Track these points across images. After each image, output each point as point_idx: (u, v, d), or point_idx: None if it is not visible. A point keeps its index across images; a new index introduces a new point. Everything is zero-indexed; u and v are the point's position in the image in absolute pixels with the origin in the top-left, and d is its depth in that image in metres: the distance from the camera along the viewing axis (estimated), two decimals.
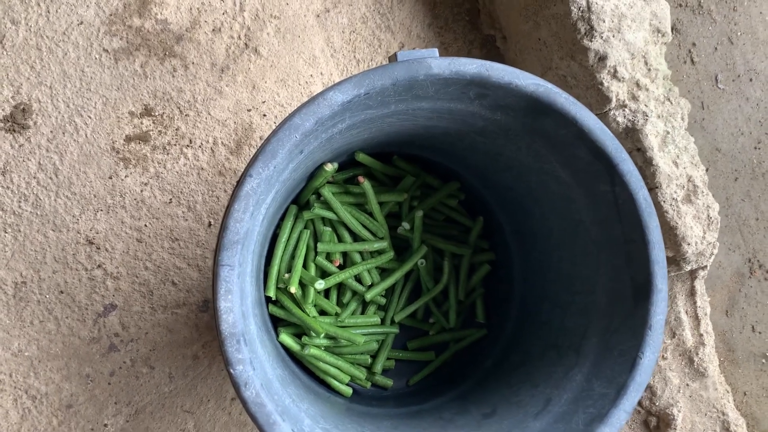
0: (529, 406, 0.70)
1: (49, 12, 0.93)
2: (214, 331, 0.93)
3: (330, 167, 0.77)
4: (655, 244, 0.64)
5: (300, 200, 0.82)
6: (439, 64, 0.59)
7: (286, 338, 0.77)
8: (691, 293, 0.98)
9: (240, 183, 0.56)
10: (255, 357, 0.57)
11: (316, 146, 0.65)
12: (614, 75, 0.85)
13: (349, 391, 0.81)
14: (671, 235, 0.86)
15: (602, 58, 0.84)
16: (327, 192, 0.78)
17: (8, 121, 0.90)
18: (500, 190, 0.86)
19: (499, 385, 0.78)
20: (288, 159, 0.60)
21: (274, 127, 0.94)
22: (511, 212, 0.87)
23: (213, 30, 0.98)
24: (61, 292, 0.90)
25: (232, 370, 0.55)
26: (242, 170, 0.93)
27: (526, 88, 0.62)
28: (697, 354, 0.98)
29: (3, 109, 0.91)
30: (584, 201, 0.71)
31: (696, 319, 0.98)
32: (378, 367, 0.85)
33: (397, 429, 0.74)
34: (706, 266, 0.96)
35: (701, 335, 0.98)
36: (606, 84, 0.84)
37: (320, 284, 0.78)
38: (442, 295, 0.89)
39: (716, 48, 1.10)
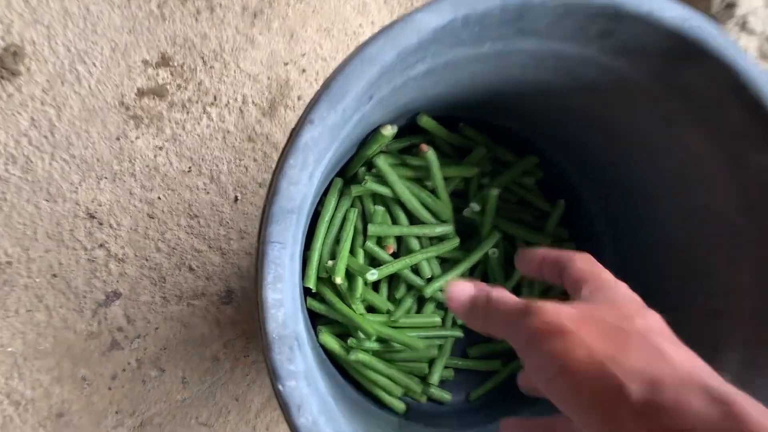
0: None
1: None
2: (240, 327, 0.82)
3: (389, 130, 0.64)
4: None
5: (347, 173, 0.69)
6: None
7: (329, 339, 0.65)
8: None
9: (296, 132, 0.44)
10: (309, 369, 0.44)
11: (385, 95, 0.52)
12: (743, 27, 0.74)
13: (402, 406, 0.70)
14: None
15: (729, 5, 0.74)
16: (382, 162, 0.66)
17: None
18: (594, 168, 0.72)
19: None
20: (356, 105, 0.47)
21: (316, 86, 0.83)
22: (606, 195, 0.73)
23: None
24: (54, 275, 0.78)
25: (281, 387, 0.41)
26: (277, 136, 0.78)
27: (671, 21, 0.48)
28: None
29: None
30: (725, 179, 0.56)
31: None
32: (435, 378, 0.73)
33: None
34: None
35: None
36: (734, 37, 0.74)
37: (372, 275, 0.65)
38: (513, 292, 0.74)
39: None
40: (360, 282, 0.66)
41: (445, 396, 0.74)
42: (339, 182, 0.68)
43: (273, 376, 0.41)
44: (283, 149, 0.44)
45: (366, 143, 0.65)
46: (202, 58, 0.82)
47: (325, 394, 0.47)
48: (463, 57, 0.53)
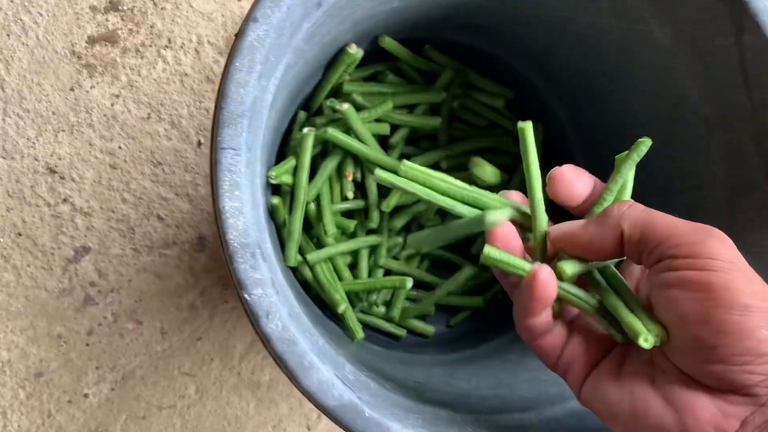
0: None
1: None
2: (215, 274, 0.79)
3: (354, 48, 0.61)
4: None
5: (312, 104, 0.66)
6: None
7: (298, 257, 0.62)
8: None
9: (241, 32, 0.42)
10: (276, 279, 0.43)
11: (334, 3, 0.50)
12: None
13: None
14: None
15: None
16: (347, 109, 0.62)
17: None
18: (564, 78, 0.69)
19: None
20: (302, 5, 0.45)
21: None
22: (577, 107, 0.70)
23: None
24: (19, 234, 0.76)
25: (247, 296, 0.40)
26: None
27: None
28: None
29: None
30: (690, 67, 0.54)
31: None
32: (399, 312, 0.70)
33: (452, 377, 0.61)
34: None
35: None
36: None
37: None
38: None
39: None
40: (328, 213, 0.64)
41: (428, 329, 0.71)
42: (302, 115, 0.65)
43: (238, 285, 0.40)
44: (229, 53, 0.42)
45: (332, 66, 0.62)
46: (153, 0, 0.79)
47: (295, 305, 0.46)
48: None
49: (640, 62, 0.58)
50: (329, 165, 0.63)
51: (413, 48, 0.69)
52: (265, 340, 0.41)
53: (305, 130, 0.59)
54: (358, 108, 0.64)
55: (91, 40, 0.77)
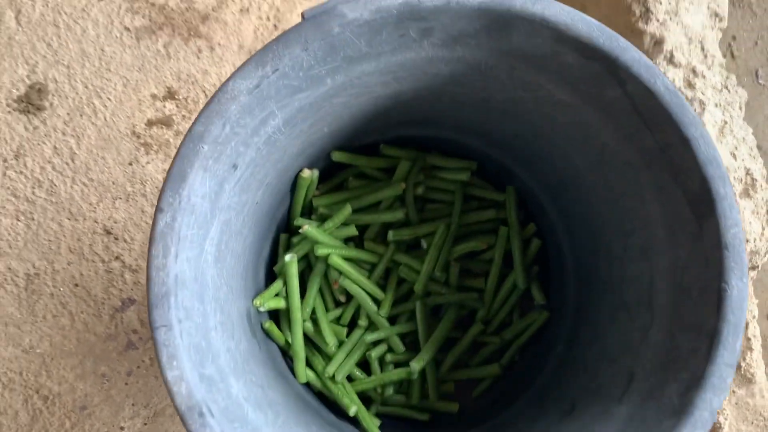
0: (611, 388, 0.57)
1: None
2: None
3: (307, 173, 0.65)
4: (698, 139, 0.49)
5: (290, 222, 0.71)
6: (354, 7, 0.47)
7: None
8: None
9: (153, 223, 0.46)
10: (237, 425, 0.47)
11: (255, 156, 0.53)
12: (671, 60, 0.77)
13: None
14: None
15: (658, 42, 0.77)
16: (312, 231, 0.67)
17: (23, 101, 0.83)
18: (511, 145, 0.71)
19: (574, 373, 0.65)
20: (212, 179, 0.49)
21: None
22: (528, 165, 0.72)
23: (240, 10, 0.89)
24: (76, 285, 0.83)
25: None
26: None
27: (470, 2, 0.48)
28: (744, 359, 0.89)
29: (17, 89, 0.83)
30: (598, 119, 0.56)
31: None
32: (417, 398, 0.71)
33: None
34: (757, 266, 0.87)
35: (749, 339, 0.89)
36: (661, 69, 0.76)
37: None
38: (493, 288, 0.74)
39: (757, 42, 1.06)
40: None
41: (452, 407, 0.71)
42: (283, 237, 0.69)
43: None
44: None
45: (295, 191, 0.67)
46: (204, 91, 0.85)
47: None
48: (316, 99, 0.54)
49: (561, 121, 0.60)
50: (315, 280, 0.67)
51: (373, 150, 0.72)
52: None
53: (287, 257, 0.64)
54: (324, 219, 0.68)
55: (150, 123, 0.84)
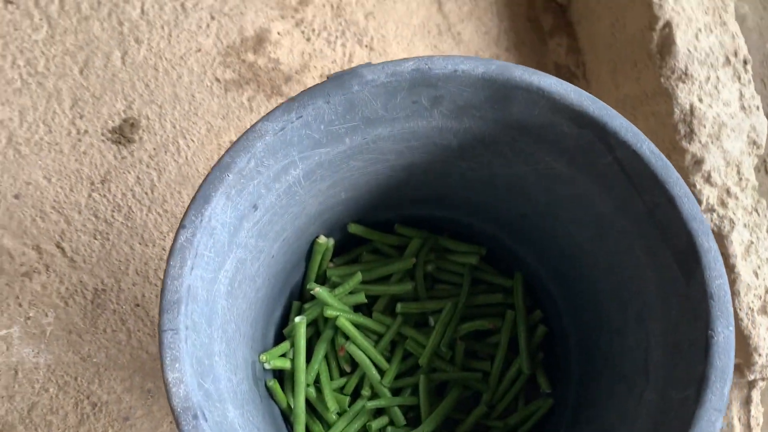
0: None
1: (171, 36, 0.92)
2: None
3: (323, 239, 0.69)
4: (682, 197, 0.51)
5: (303, 290, 0.74)
6: (373, 69, 0.52)
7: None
8: (747, 402, 0.89)
9: (174, 238, 0.49)
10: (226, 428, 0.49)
11: (275, 203, 0.57)
12: (708, 179, 0.78)
13: None
14: (743, 345, 0.78)
15: (698, 162, 0.79)
16: (324, 295, 0.69)
17: (116, 132, 0.89)
18: (517, 226, 0.73)
19: None
20: (233, 210, 0.52)
21: None
22: (535, 246, 0.74)
23: (320, 76, 0.94)
24: (137, 305, 0.87)
25: None
26: None
27: (475, 71, 0.52)
28: None
29: (113, 120, 0.89)
30: (594, 188, 0.59)
31: (748, 428, 0.90)
32: None
33: None
34: (767, 378, 0.86)
35: None
36: (698, 187, 0.79)
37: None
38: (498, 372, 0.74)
39: None
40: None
41: None
42: (296, 305, 0.72)
43: None
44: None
45: (310, 257, 0.69)
46: None
47: None
48: (334, 157, 0.57)
49: (561, 194, 0.62)
50: (322, 345, 0.68)
51: (387, 227, 0.74)
52: None
53: (297, 319, 0.66)
54: (336, 286, 0.69)
55: None
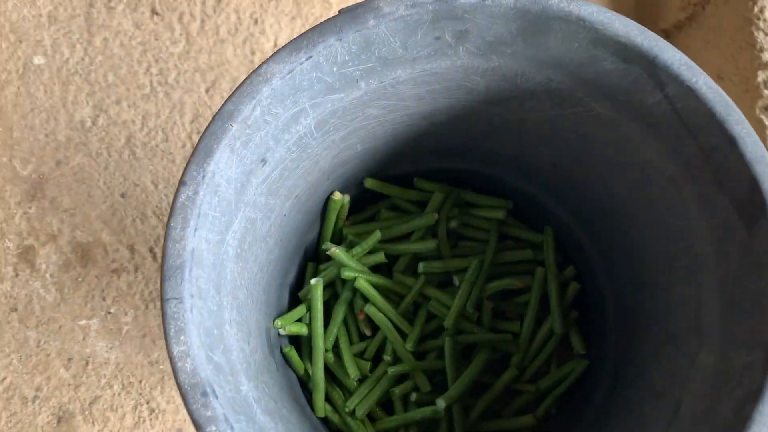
0: (656, 421, 0.51)
1: None
2: None
3: (339, 196, 0.63)
4: (745, 138, 0.44)
5: (318, 250, 0.67)
6: (390, 1, 0.45)
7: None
8: None
9: (175, 195, 0.44)
10: (242, 418, 0.43)
11: (285, 156, 0.51)
12: None
13: None
14: None
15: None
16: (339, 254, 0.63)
17: None
18: (547, 176, 0.66)
19: (618, 417, 0.59)
20: (239, 164, 0.47)
21: None
22: (566, 197, 0.67)
23: None
24: None
25: None
26: None
27: (506, 1, 0.45)
28: None
29: None
30: (638, 132, 0.52)
31: None
32: None
33: None
34: None
35: None
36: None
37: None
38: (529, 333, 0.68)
39: None
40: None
41: None
42: (311, 266, 0.66)
43: (194, 425, 0.41)
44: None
45: (325, 215, 0.64)
46: None
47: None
48: (348, 103, 0.52)
49: (598, 140, 0.56)
50: (341, 308, 0.63)
51: (406, 182, 0.68)
52: None
53: (313, 280, 0.60)
54: (353, 245, 0.64)
55: None
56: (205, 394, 0.40)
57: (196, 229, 0.43)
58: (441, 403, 0.61)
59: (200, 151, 0.44)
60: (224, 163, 0.45)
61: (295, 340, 0.64)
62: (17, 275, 0.79)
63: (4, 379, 0.73)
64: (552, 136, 0.59)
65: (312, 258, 0.67)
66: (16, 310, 0.77)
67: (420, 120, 0.58)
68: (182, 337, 0.41)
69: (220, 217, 0.46)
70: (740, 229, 0.46)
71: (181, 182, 0.44)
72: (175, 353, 0.41)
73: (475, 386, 0.65)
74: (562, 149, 0.60)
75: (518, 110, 0.56)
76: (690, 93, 0.45)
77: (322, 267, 0.65)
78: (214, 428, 0.40)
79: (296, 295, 0.65)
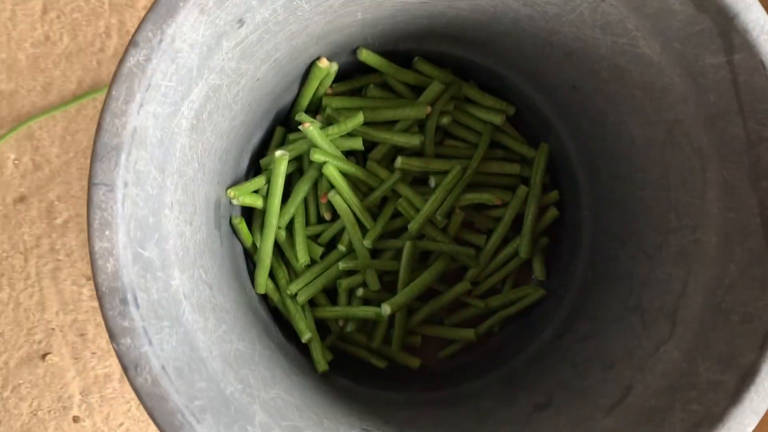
0: (600, 396, 0.47)
1: None
2: None
3: (325, 63, 0.55)
4: None
5: (291, 115, 0.59)
6: None
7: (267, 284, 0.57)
8: None
9: (121, 58, 0.37)
10: (165, 324, 0.38)
11: (269, 18, 0.44)
12: None
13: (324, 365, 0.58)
14: None
15: None
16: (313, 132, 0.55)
17: None
18: (561, 95, 0.59)
19: (559, 365, 0.55)
20: (208, 26, 0.39)
21: None
22: (575, 123, 0.60)
23: None
24: None
25: (116, 345, 0.36)
26: None
27: None
28: None
29: None
30: (682, 88, 0.45)
31: None
32: (378, 342, 0.60)
33: (414, 424, 0.53)
34: None
35: None
36: None
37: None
38: (492, 249, 0.62)
39: None
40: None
41: (413, 362, 0.61)
42: (279, 132, 0.59)
43: (108, 333, 0.36)
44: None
45: (307, 80, 0.56)
46: None
47: (205, 354, 0.41)
48: None
49: (632, 80, 0.49)
50: (303, 188, 0.57)
51: (404, 61, 0.61)
52: (135, 393, 0.36)
53: (278, 153, 0.54)
54: (330, 122, 0.57)
55: None
56: (124, 301, 0.36)
57: (141, 105, 0.37)
58: (386, 308, 0.56)
59: (160, 6, 0.37)
60: (190, 26, 0.38)
61: (246, 213, 0.58)
62: None
63: (121, 424, 0.66)
64: (583, 60, 0.52)
65: (282, 123, 0.60)
66: None
67: (439, 4, 0.51)
68: (107, 233, 0.36)
69: (176, 86, 0.39)
70: (758, 236, 0.41)
71: (132, 42, 0.36)
72: (96, 249, 0.35)
73: (424, 292, 0.61)
74: (588, 75, 0.53)
75: (554, 20, 0.49)
76: (761, 70, 0.39)
77: (291, 137, 0.58)
78: (129, 341, 0.36)
79: (256, 161, 0.59)
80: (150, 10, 0.36)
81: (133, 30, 0.65)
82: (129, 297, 0.36)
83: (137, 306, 0.36)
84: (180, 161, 0.42)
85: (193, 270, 0.44)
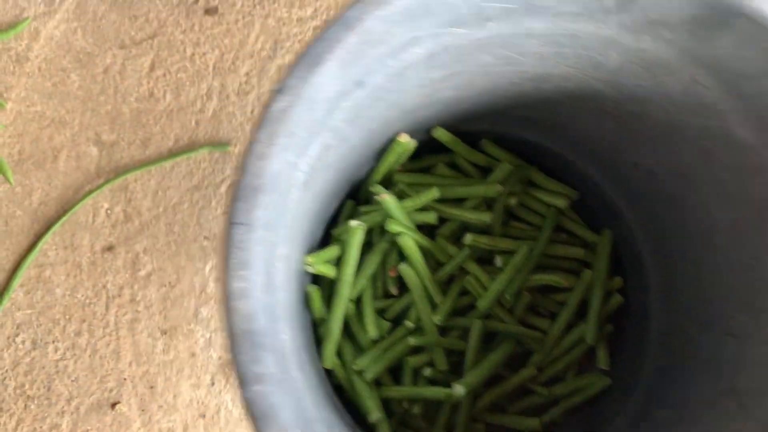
0: None
1: None
2: None
3: (405, 138, 0.54)
4: None
5: (362, 191, 0.59)
6: None
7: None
8: None
9: (266, 104, 0.37)
10: (287, 380, 0.36)
11: (382, 84, 0.44)
12: None
13: None
14: None
15: None
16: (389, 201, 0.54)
17: None
18: (635, 180, 0.57)
19: None
20: (338, 82, 0.39)
21: None
22: (645, 208, 0.59)
23: None
24: None
25: (246, 393, 0.33)
26: None
27: None
28: None
29: None
30: None
31: None
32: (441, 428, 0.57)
33: None
34: None
35: None
36: None
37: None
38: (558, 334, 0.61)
39: None
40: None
41: None
42: (349, 204, 0.58)
43: (239, 377, 0.34)
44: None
45: (383, 155, 0.56)
46: None
47: (309, 409, 0.39)
48: (465, 42, 0.44)
49: (719, 162, 0.47)
50: (373, 260, 0.55)
51: (471, 142, 0.60)
52: None
53: (354, 223, 0.52)
54: (403, 197, 0.56)
55: None
56: (259, 345, 0.34)
57: (284, 148, 0.37)
58: (459, 388, 0.54)
59: (306, 58, 0.37)
60: (328, 78, 0.38)
61: (313, 278, 0.56)
62: (213, 384, 0.69)
63: None
64: (665, 143, 0.51)
65: (352, 195, 0.59)
66: (203, 416, 0.68)
67: (527, 81, 0.50)
68: (244, 272, 0.35)
69: (304, 138, 0.39)
70: None
71: (279, 90, 0.36)
72: (234, 289, 0.34)
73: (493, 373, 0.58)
74: (668, 159, 0.52)
75: (641, 103, 0.48)
76: None
77: (363, 209, 0.57)
78: (260, 389, 0.33)
79: (328, 231, 0.57)
80: (297, 60, 0.37)
81: (233, 94, 0.66)
82: (261, 340, 0.34)
83: (266, 350, 0.34)
84: (291, 214, 0.41)
85: (292, 332, 0.42)
